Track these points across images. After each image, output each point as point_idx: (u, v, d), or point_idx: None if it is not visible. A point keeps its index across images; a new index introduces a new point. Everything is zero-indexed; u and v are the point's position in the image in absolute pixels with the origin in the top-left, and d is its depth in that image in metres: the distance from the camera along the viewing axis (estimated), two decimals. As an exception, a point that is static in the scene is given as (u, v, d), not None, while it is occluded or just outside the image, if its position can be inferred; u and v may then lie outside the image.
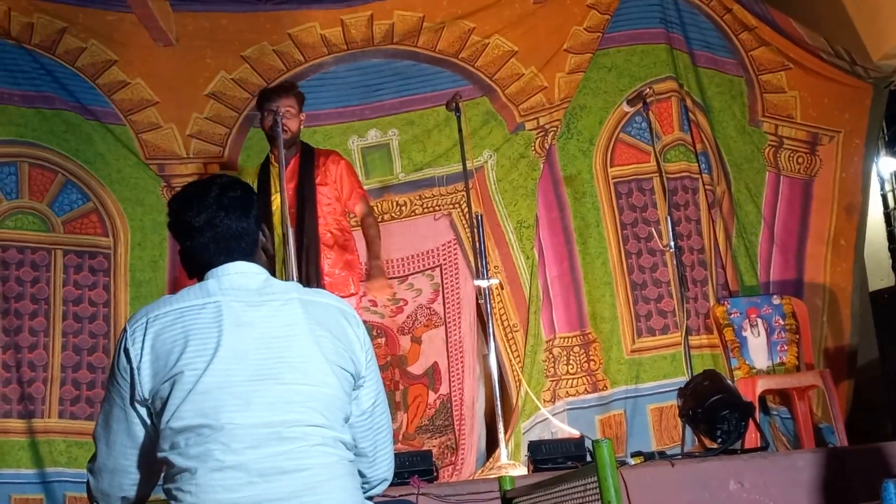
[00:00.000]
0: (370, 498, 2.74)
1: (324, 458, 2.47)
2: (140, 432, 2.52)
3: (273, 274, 2.76)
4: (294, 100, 5.60)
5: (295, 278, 5.12)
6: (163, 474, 2.52)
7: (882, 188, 7.20)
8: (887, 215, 7.20)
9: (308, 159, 5.66)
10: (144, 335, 2.50)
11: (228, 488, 2.37)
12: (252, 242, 2.71)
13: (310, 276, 5.40)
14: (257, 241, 2.73)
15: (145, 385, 2.47)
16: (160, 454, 2.48)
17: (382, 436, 2.75)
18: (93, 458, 2.64)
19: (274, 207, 5.53)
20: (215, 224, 2.65)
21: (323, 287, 5.32)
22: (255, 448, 2.41)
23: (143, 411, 2.50)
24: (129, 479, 2.58)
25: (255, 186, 5.48)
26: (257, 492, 2.38)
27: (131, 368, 2.49)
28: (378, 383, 2.73)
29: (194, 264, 2.69)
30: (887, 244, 7.17)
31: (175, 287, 6.33)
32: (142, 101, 6.50)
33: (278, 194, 5.47)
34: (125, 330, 2.55)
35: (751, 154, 6.94)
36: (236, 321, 2.51)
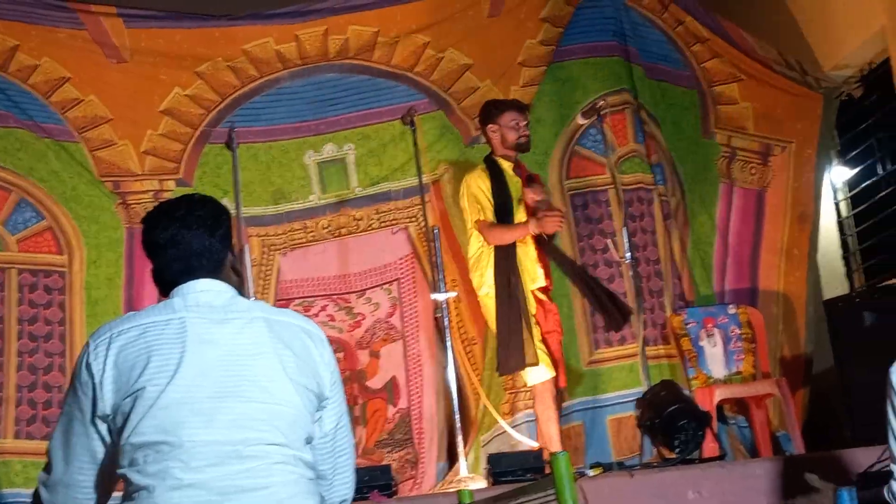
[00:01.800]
0: (330, 517, 2.74)
1: (284, 476, 2.46)
2: (100, 449, 2.50)
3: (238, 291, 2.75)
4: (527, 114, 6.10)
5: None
6: (122, 493, 2.50)
7: (835, 197, 7.28)
8: (840, 224, 7.27)
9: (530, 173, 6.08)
10: (108, 350, 2.49)
11: (187, 507, 2.37)
12: (217, 261, 2.69)
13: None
14: (223, 261, 2.72)
15: (108, 401, 2.46)
16: (119, 471, 2.46)
17: (343, 459, 2.74)
18: (47, 470, 2.61)
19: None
20: (178, 241, 2.65)
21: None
22: (216, 466, 2.40)
23: (103, 428, 2.49)
24: (84, 495, 2.54)
25: (487, 182, 5.83)
26: (216, 510, 2.37)
27: (93, 384, 2.47)
28: (342, 406, 2.72)
29: (162, 282, 2.69)
30: (841, 252, 7.24)
31: (131, 305, 6.30)
32: (95, 118, 6.46)
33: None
34: (87, 345, 2.53)
35: (704, 165, 7.00)
36: (200, 338, 2.51)
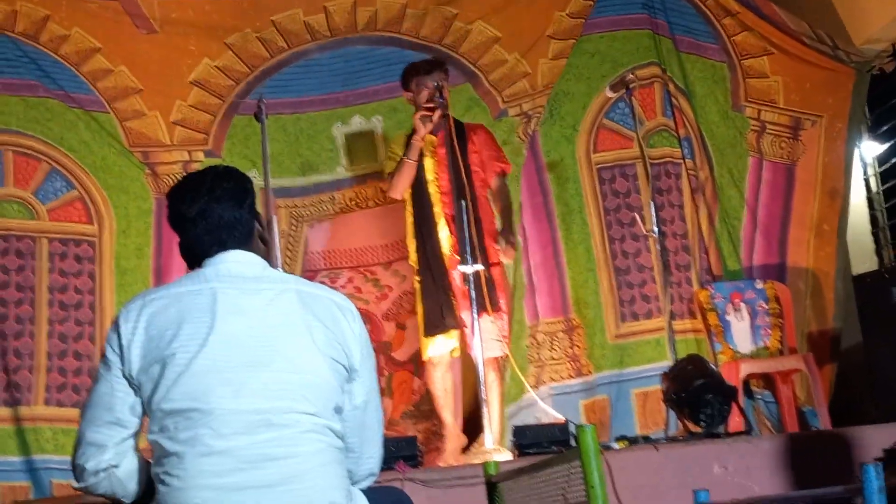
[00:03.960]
0: (355, 488, 2.76)
1: (312, 445, 2.49)
2: (119, 406, 2.54)
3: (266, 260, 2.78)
4: (445, 74, 5.87)
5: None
6: (153, 459, 2.53)
7: (865, 172, 7.21)
8: (870, 199, 7.21)
9: (459, 130, 5.80)
10: (139, 317, 2.54)
11: (216, 473, 2.39)
12: (246, 232, 2.73)
13: (471, 237, 5.56)
14: (252, 231, 2.75)
15: (134, 364, 2.50)
16: (150, 436, 2.50)
17: (371, 433, 2.76)
18: (77, 437, 2.64)
19: (427, 173, 5.77)
20: (207, 214, 2.68)
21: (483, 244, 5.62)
22: (245, 434, 2.43)
23: (129, 389, 2.52)
24: (99, 453, 2.56)
25: (401, 144, 5.83)
26: (245, 478, 2.40)
27: (121, 346, 2.52)
28: (372, 380, 2.75)
29: (192, 256, 2.72)
30: (870, 228, 7.18)
31: (160, 274, 6.35)
32: (126, 88, 6.49)
33: (430, 159, 5.75)
34: (120, 311, 2.59)
35: (733, 139, 6.95)
36: (231, 308, 2.54)
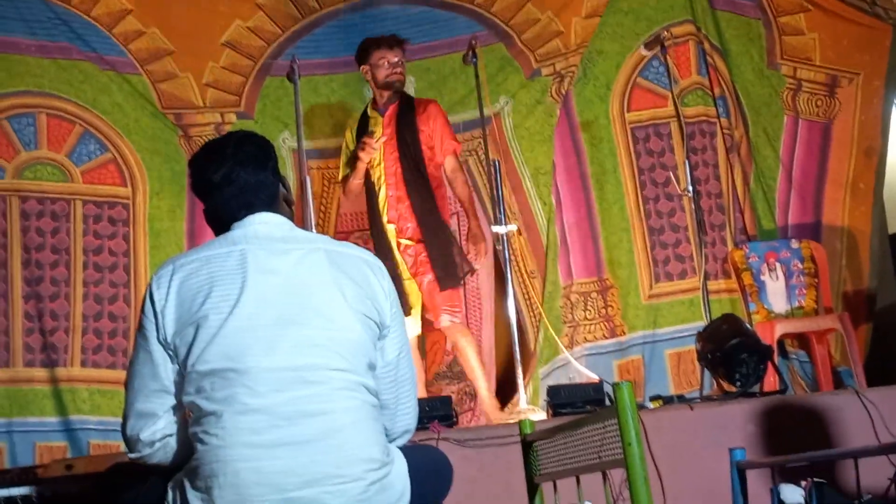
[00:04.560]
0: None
1: (347, 401, 2.50)
2: (163, 374, 2.55)
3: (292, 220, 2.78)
4: (402, 51, 5.78)
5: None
6: (189, 419, 2.55)
7: (902, 130, 7.14)
8: (907, 158, 7.14)
9: (409, 107, 5.76)
10: (170, 281, 2.55)
11: (254, 431, 2.41)
12: (271, 194, 2.74)
13: (431, 211, 5.60)
14: (277, 193, 2.76)
15: (169, 328, 2.51)
16: (186, 398, 2.51)
17: (406, 389, 2.77)
18: (125, 409, 2.65)
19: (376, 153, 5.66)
20: (233, 179, 2.69)
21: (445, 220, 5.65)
22: (280, 391, 2.44)
23: (167, 354, 2.53)
24: (151, 422, 2.58)
25: (353, 136, 5.79)
26: (282, 434, 2.41)
27: (155, 312, 2.53)
28: (403, 335, 2.76)
29: (218, 221, 2.72)
30: (907, 187, 7.12)
31: (193, 236, 6.38)
32: (158, 50, 6.50)
33: (381, 139, 5.63)
34: (152, 277, 2.60)
35: (769, 97, 6.88)
36: (261, 268, 2.55)
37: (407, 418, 2.80)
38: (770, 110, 6.86)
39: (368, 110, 5.84)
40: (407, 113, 5.73)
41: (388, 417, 2.72)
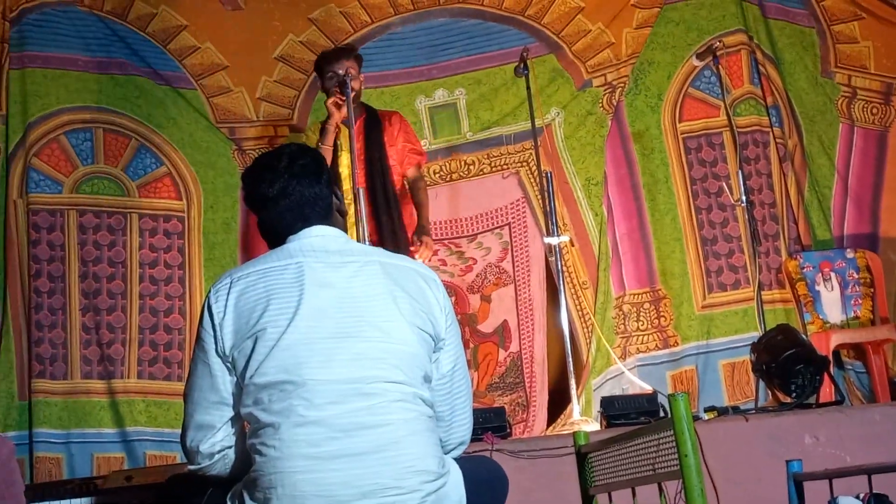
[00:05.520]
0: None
1: (403, 413, 2.51)
2: (221, 386, 2.58)
3: (346, 232, 2.81)
4: (355, 62, 5.62)
5: (366, 236, 5.14)
6: (248, 430, 2.57)
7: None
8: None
9: (374, 120, 5.68)
10: (228, 294, 2.57)
11: (311, 443, 2.43)
12: (326, 206, 2.76)
13: (395, 232, 5.49)
14: (331, 205, 2.78)
15: (227, 341, 2.54)
16: (243, 410, 2.54)
17: (461, 401, 2.78)
18: (183, 421, 2.69)
19: (342, 168, 5.54)
20: (289, 192, 2.72)
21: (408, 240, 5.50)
22: (337, 404, 2.46)
23: (225, 367, 2.56)
24: (210, 434, 2.62)
25: (318, 146, 5.51)
26: (339, 447, 2.43)
27: (213, 325, 2.56)
28: (458, 348, 2.76)
29: (273, 234, 2.75)
30: (965, 196, 7.03)
31: (247, 249, 6.42)
32: (212, 65, 6.57)
33: (346, 153, 5.47)
34: (210, 291, 2.63)
35: (823, 106, 6.83)
36: (317, 281, 2.56)
37: (462, 430, 2.81)
38: (825, 119, 6.81)
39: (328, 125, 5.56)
40: (373, 128, 5.63)
41: (444, 429, 2.74)
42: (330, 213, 2.78)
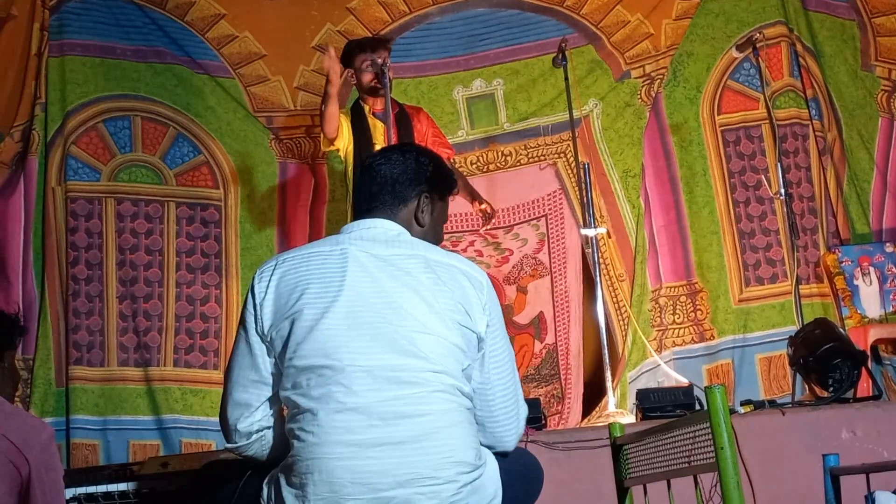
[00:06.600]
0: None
1: (442, 404, 2.51)
2: (261, 365, 2.60)
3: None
4: (388, 53, 5.53)
5: None
6: (286, 415, 2.59)
7: None
8: None
9: (404, 114, 5.63)
10: (271, 276, 2.61)
11: (350, 430, 2.43)
12: (399, 201, 2.78)
13: None
14: (408, 207, 2.79)
15: (266, 321, 2.57)
16: (283, 393, 2.55)
17: (499, 406, 2.70)
18: (222, 400, 2.71)
19: None
20: (375, 170, 2.79)
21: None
22: (376, 391, 2.46)
23: (264, 345, 2.59)
24: (248, 412, 2.64)
25: (347, 135, 5.46)
26: (378, 434, 2.43)
27: (255, 304, 2.60)
28: (503, 352, 2.69)
29: (354, 197, 2.82)
30: None
31: (283, 238, 6.45)
32: (250, 54, 6.59)
33: (381, 146, 5.39)
34: (255, 273, 2.67)
35: (863, 99, 6.78)
36: (360, 269, 2.58)
37: (506, 437, 2.75)
38: (864, 112, 6.76)
39: (367, 116, 5.53)
40: (404, 122, 5.56)
41: (485, 436, 2.70)
42: (399, 211, 2.78)
